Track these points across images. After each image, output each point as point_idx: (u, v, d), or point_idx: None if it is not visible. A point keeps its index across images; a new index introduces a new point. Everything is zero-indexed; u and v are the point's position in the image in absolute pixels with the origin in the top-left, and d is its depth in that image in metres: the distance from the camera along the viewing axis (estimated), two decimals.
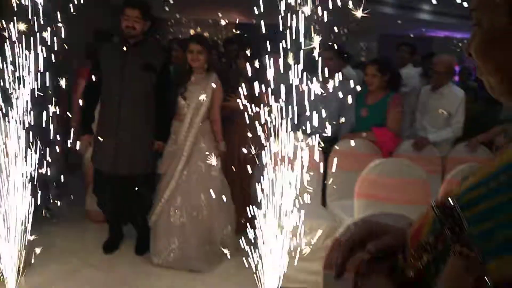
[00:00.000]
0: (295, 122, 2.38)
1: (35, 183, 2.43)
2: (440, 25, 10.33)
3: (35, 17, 2.22)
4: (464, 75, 4.88)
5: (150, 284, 2.85)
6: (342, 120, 3.35)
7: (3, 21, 2.27)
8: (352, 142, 3.24)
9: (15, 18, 2.22)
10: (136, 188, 2.96)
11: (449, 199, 0.50)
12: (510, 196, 0.45)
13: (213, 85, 3.08)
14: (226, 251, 3.06)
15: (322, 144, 2.75)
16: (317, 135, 2.53)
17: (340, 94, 2.97)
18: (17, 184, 2.34)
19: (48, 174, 2.59)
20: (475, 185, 0.49)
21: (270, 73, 2.45)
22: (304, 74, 2.39)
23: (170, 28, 11.16)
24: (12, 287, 2.34)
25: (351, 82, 3.52)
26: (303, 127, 2.46)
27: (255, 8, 2.19)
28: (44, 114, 2.49)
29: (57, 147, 2.91)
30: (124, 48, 2.97)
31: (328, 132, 2.91)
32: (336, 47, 3.57)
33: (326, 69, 2.79)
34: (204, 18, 11.18)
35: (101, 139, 3.01)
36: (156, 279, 2.90)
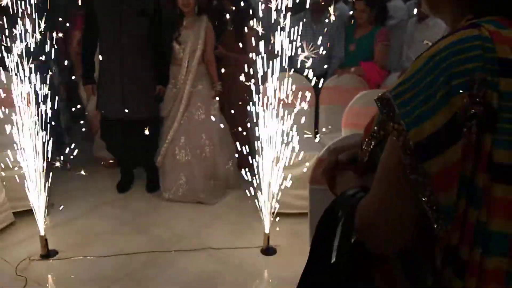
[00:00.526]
0: (286, 59, 2.50)
1: (47, 133, 2.62)
2: None
3: None
4: None
5: (161, 215, 3.17)
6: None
7: None
8: (341, 78, 3.41)
9: None
10: (142, 131, 3.18)
11: (386, 92, 0.70)
12: (425, 83, 0.65)
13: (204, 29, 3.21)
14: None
15: (313, 80, 2.91)
16: (308, 71, 2.69)
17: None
18: (32, 133, 2.54)
19: (60, 124, 2.78)
20: (405, 79, 0.68)
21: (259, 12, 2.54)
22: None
23: None
24: (41, 224, 2.63)
25: (339, 18, 3.60)
26: (295, 64, 2.59)
27: None
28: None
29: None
30: None
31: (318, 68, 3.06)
32: None
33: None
34: None
35: (105, 87, 3.18)
36: (166, 211, 3.23)
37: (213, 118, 3.30)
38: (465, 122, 0.63)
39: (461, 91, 0.63)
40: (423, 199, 0.65)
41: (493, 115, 0.64)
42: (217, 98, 3.32)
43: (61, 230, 2.90)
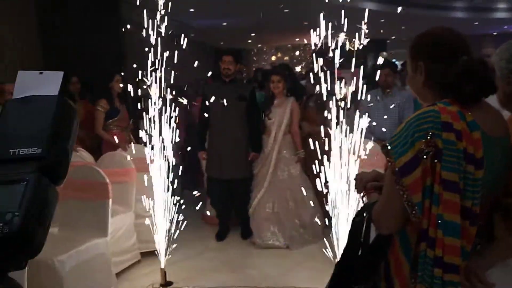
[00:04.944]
0: (364, 129, 2.90)
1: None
2: None
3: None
4: None
5: (252, 258, 3.79)
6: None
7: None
8: None
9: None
10: (237, 188, 3.95)
11: (386, 141, 1.25)
12: (404, 135, 1.19)
13: (291, 107, 4.02)
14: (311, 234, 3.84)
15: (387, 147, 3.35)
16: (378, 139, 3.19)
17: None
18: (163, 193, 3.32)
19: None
20: (396, 133, 1.23)
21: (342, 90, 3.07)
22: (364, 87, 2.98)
23: (254, 57, 12.41)
24: (162, 260, 3.36)
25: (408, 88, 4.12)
26: (369, 133, 3.08)
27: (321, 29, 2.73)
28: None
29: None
30: (223, 85, 4.04)
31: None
32: (391, 64, 4.22)
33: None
34: (283, 44, 12.22)
35: (211, 153, 4.07)
36: (257, 255, 3.84)
37: (295, 178, 3.97)
38: (423, 156, 1.16)
39: (420, 139, 1.16)
40: (404, 198, 1.17)
41: (440, 152, 1.15)
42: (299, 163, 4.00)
43: (176, 267, 3.58)
